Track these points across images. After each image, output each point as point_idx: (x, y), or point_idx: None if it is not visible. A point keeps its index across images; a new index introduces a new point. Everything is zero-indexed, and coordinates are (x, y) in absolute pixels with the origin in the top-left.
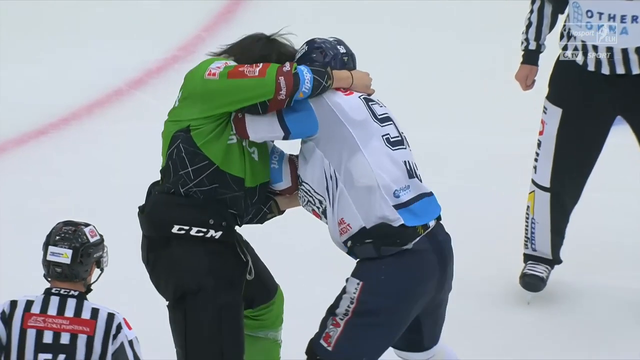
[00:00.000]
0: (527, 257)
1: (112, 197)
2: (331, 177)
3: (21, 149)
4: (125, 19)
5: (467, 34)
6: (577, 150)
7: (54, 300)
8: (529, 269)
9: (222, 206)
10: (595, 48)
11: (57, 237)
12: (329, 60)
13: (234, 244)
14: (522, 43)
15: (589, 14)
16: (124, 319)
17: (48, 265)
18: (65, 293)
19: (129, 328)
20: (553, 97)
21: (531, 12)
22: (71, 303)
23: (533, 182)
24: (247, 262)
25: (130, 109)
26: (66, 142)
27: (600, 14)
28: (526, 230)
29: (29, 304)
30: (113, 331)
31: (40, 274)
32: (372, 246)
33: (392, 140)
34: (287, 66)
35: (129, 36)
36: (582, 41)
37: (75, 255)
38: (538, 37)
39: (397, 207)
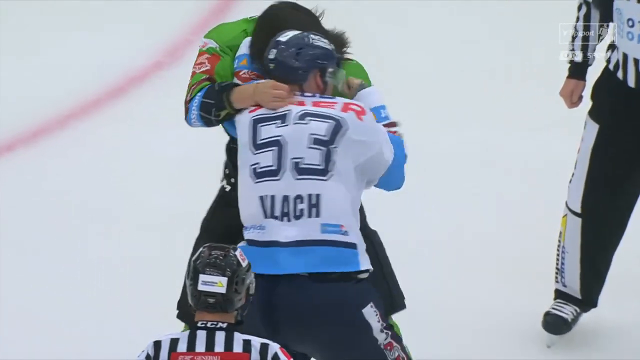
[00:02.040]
0: (557, 294)
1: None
2: None
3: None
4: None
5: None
6: (613, 171)
7: (201, 335)
8: (553, 308)
9: None
10: (636, 62)
11: (208, 264)
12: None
13: None
14: (568, 55)
15: (630, 22)
16: (280, 348)
17: (199, 296)
18: (213, 326)
19: (287, 357)
20: (592, 112)
21: (577, 19)
22: (220, 337)
23: (566, 205)
24: None
25: (110, 117)
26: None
27: None
28: (557, 260)
29: (174, 342)
30: None
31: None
32: None
33: (259, 170)
34: (191, 94)
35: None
36: (624, 53)
37: (230, 282)
38: (585, 48)
39: (248, 242)
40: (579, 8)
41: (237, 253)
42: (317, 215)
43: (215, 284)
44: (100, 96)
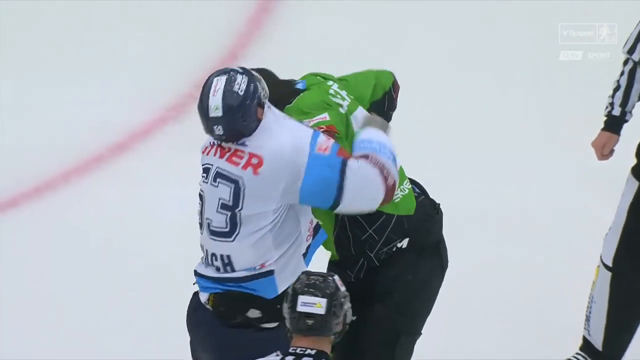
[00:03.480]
0: (584, 342)
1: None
2: None
3: None
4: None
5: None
6: None
7: None
8: (572, 357)
9: None
10: None
11: (307, 285)
12: None
13: None
14: (606, 107)
15: None
16: None
17: (298, 317)
18: (302, 352)
19: None
20: (635, 169)
21: (621, 74)
22: None
23: (600, 257)
24: None
25: (112, 175)
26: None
27: None
28: (587, 308)
29: None
30: None
31: None
32: None
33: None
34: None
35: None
36: None
37: (329, 305)
38: (624, 103)
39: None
40: (625, 62)
41: (336, 278)
42: (232, 270)
43: (314, 304)
44: (102, 152)
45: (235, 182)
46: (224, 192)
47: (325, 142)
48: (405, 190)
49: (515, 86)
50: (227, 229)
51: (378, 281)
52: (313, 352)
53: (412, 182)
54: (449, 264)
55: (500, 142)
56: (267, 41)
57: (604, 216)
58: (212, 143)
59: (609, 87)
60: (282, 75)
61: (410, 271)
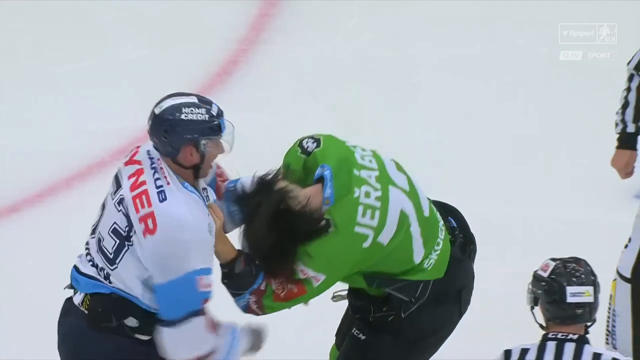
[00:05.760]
0: None
1: None
2: None
3: None
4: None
5: None
6: None
7: (551, 347)
8: None
9: None
10: None
11: (570, 275)
12: None
13: None
14: (617, 125)
15: None
16: None
17: (567, 309)
18: (563, 337)
19: None
20: None
21: (628, 90)
22: (569, 348)
23: (617, 270)
24: None
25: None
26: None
27: None
28: (607, 322)
29: (524, 352)
30: None
31: None
32: None
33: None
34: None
35: (114, 97)
36: None
37: (595, 290)
38: (637, 118)
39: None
40: (630, 79)
41: (586, 261)
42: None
43: (583, 294)
44: (104, 157)
45: (130, 225)
46: (121, 221)
47: (207, 285)
48: (434, 255)
49: (516, 86)
50: (111, 256)
51: (391, 319)
52: (575, 336)
53: (452, 212)
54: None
55: (500, 142)
56: (269, 47)
57: (607, 221)
58: (133, 157)
59: (608, 87)
60: (283, 82)
61: (425, 314)
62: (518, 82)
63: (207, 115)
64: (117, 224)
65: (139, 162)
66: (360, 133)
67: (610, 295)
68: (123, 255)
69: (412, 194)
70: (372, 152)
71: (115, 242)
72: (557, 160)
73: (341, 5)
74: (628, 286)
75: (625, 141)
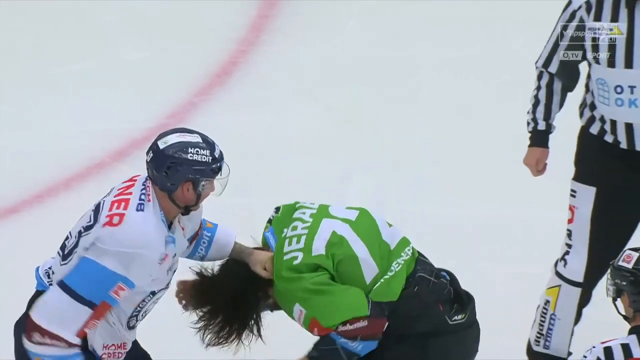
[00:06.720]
0: (534, 356)
1: None
2: None
3: None
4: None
5: None
6: (616, 235)
7: None
8: None
9: None
10: (628, 126)
11: None
12: None
13: None
14: (529, 123)
15: (619, 89)
16: None
17: None
18: None
19: None
20: (583, 176)
21: (538, 88)
22: None
23: (559, 275)
24: None
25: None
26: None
27: (632, 87)
28: (541, 326)
29: (626, 347)
30: None
31: None
32: None
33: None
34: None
35: (114, 98)
36: (612, 120)
37: None
38: (547, 116)
39: None
40: (540, 77)
41: None
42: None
43: None
44: (103, 158)
45: (95, 220)
46: (89, 220)
47: (118, 294)
48: (392, 272)
49: (516, 86)
50: (66, 252)
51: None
52: None
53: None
54: None
55: (500, 142)
56: (268, 47)
57: None
58: (129, 181)
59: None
60: (283, 82)
61: (387, 350)
62: (518, 82)
63: (210, 158)
64: (83, 225)
65: (134, 180)
66: (360, 133)
67: (547, 301)
68: (76, 252)
69: (359, 223)
70: (360, 210)
71: (76, 239)
72: (557, 161)
73: (341, 5)
74: (577, 290)
75: (537, 139)
